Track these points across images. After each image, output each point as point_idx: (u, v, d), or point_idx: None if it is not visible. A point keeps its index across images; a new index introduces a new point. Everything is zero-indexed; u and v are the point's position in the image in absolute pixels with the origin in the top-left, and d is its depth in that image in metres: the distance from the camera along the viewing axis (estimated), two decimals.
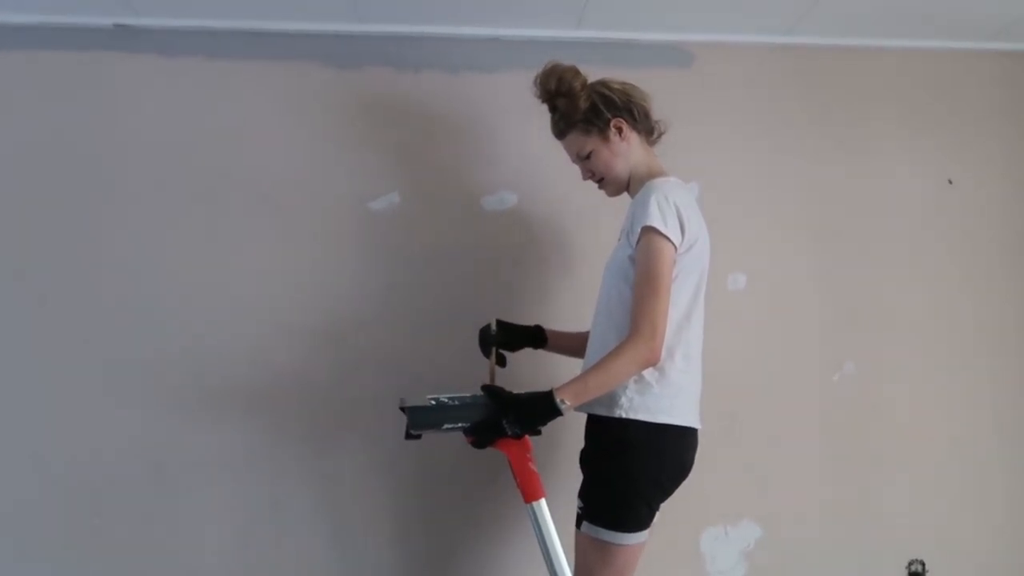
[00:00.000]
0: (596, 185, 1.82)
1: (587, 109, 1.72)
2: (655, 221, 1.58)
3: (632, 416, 1.60)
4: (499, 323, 1.91)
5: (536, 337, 1.97)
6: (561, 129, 1.77)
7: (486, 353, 1.89)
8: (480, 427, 1.56)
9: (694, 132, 2.21)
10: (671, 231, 1.58)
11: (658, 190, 1.62)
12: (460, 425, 1.57)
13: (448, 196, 2.20)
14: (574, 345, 1.94)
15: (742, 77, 2.33)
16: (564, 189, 2.22)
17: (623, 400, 1.61)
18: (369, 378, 2.12)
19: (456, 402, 1.57)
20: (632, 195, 1.77)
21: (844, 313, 2.29)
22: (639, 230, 1.59)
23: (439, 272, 2.17)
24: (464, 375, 2.07)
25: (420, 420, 1.57)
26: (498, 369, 1.85)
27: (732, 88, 2.32)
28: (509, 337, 1.93)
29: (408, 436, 1.67)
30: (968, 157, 2.38)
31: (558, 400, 1.53)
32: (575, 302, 2.19)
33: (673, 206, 1.61)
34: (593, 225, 2.21)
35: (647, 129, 1.78)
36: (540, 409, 1.54)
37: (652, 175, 1.73)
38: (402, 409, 1.58)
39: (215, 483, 2.06)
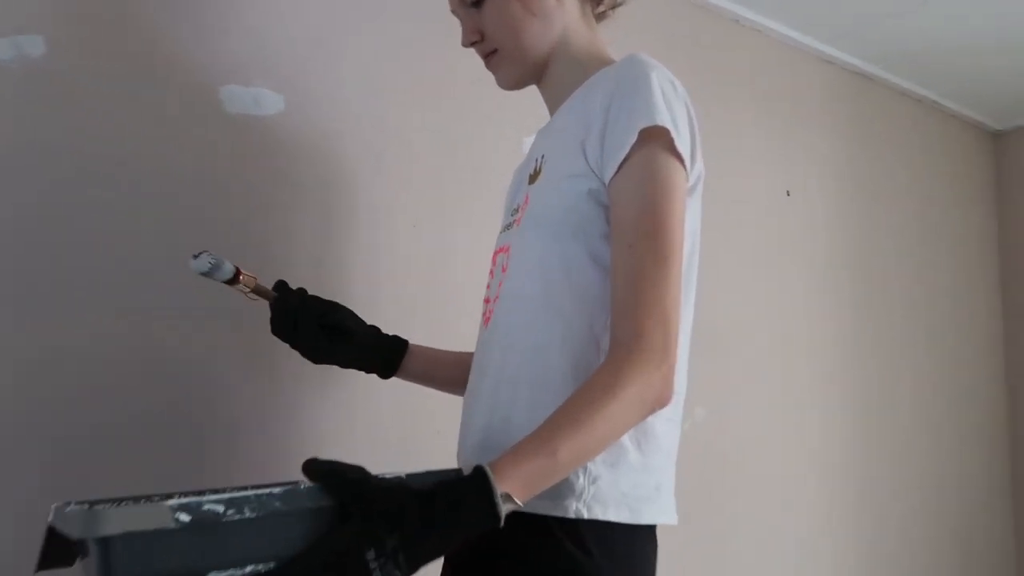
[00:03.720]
0: (483, 61, 1.03)
1: None
2: (663, 118, 0.85)
3: (598, 515, 0.83)
4: (306, 301, 1.06)
5: (390, 350, 1.11)
6: None
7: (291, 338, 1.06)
8: (311, 568, 0.63)
9: None
10: (683, 143, 0.86)
11: (657, 69, 0.89)
12: (259, 569, 0.62)
13: (152, 69, 1.16)
14: (449, 371, 1.13)
15: None
16: (375, 98, 1.35)
17: (580, 483, 0.83)
18: None
19: (251, 512, 0.62)
20: (551, 88, 1.03)
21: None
22: (630, 136, 0.84)
23: (117, 200, 1.11)
24: (165, 404, 1.08)
25: (149, 563, 0.58)
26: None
27: None
28: (333, 345, 1.06)
29: (44, 564, 0.70)
30: (807, 167, 2.08)
31: (498, 494, 0.69)
32: (377, 281, 1.33)
33: (683, 99, 0.90)
34: (421, 158, 1.38)
35: None
36: (459, 518, 0.68)
37: (599, 60, 0.99)
38: (98, 541, 0.57)
39: None
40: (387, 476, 0.71)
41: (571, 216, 0.88)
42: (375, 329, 1.11)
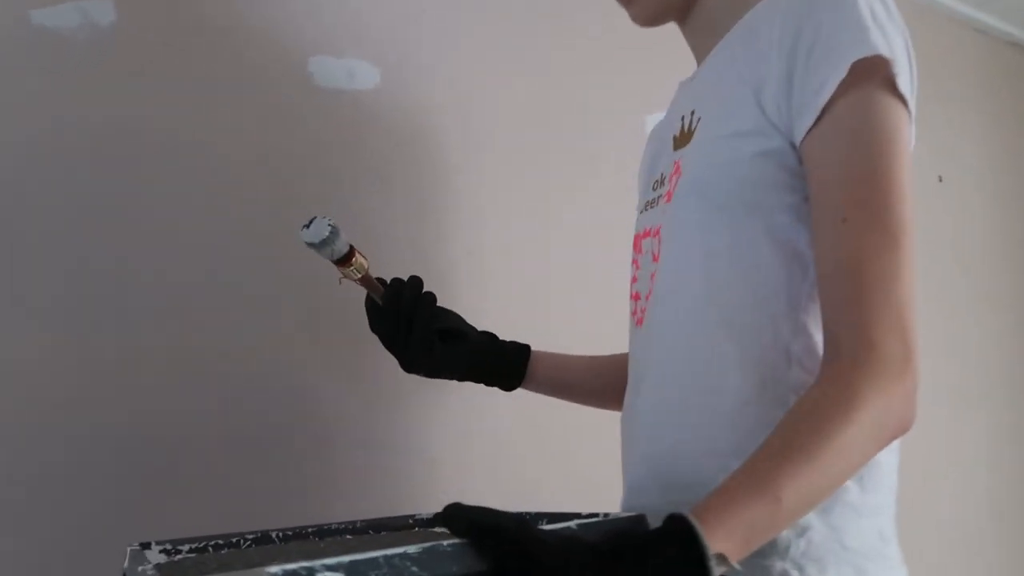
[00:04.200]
0: None
1: None
2: (880, 45, 0.64)
3: None
4: (423, 298, 0.88)
5: (511, 356, 0.93)
6: None
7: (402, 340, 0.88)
8: None
9: None
10: (905, 81, 0.66)
11: None
12: None
13: (234, 37, 1.01)
14: (585, 378, 0.96)
15: None
16: (481, 74, 1.18)
17: (784, 535, 0.64)
18: None
19: None
20: (700, 25, 0.83)
21: None
22: (838, 71, 0.64)
23: (193, 183, 0.97)
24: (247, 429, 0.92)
25: None
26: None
27: None
28: (450, 350, 0.90)
29: None
30: (959, 149, 1.81)
31: (711, 555, 0.50)
32: (481, 281, 1.15)
33: (898, 23, 0.68)
34: (529, 143, 1.21)
35: None
36: None
37: None
38: None
39: None
40: (552, 526, 0.53)
41: (742, 185, 0.69)
42: (490, 335, 0.94)
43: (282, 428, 0.98)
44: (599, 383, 0.92)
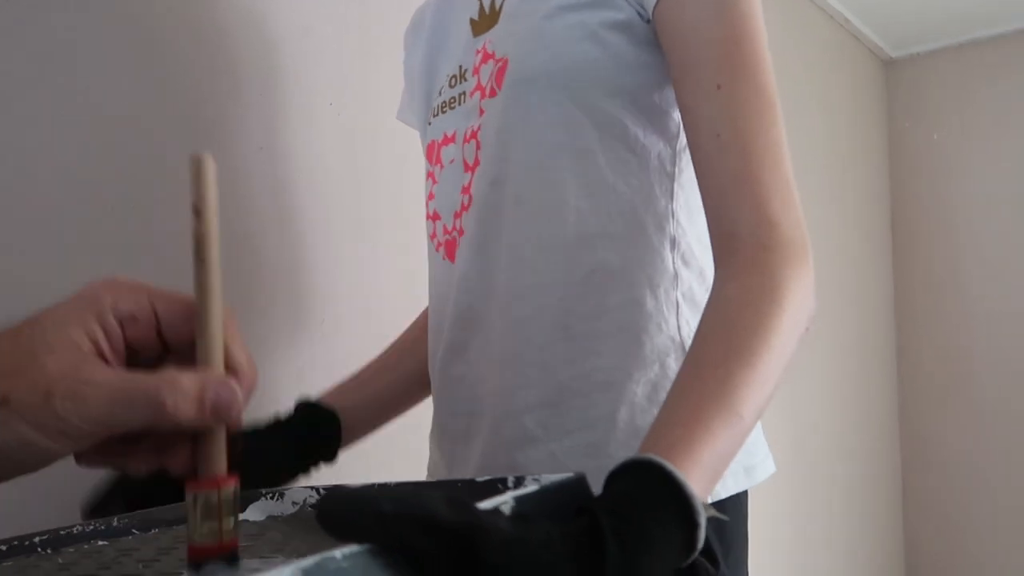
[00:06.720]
0: None
1: None
2: None
3: (734, 489, 0.63)
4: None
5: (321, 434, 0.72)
6: None
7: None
8: None
9: None
10: None
11: None
12: None
13: None
14: (396, 394, 0.79)
15: None
16: None
17: None
18: None
19: None
20: None
21: None
22: None
23: None
24: None
25: None
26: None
27: None
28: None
29: None
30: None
31: (696, 505, 0.37)
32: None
33: None
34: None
35: None
36: (652, 566, 0.35)
37: None
38: None
39: None
40: (487, 504, 0.33)
41: (596, 65, 0.62)
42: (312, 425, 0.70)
43: None
44: (410, 389, 0.78)
